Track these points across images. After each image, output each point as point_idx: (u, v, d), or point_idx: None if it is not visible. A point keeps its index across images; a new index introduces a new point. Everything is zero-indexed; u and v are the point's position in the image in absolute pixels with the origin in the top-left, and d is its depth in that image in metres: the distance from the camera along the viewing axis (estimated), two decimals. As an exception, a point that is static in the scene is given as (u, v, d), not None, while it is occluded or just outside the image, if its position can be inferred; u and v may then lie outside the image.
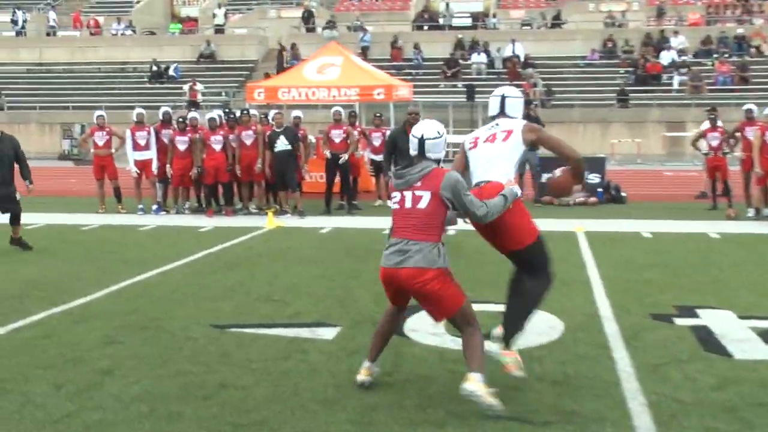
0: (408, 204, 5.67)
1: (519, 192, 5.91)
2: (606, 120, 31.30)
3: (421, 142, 5.70)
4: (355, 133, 17.57)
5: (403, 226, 5.68)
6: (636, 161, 28.32)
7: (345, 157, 16.84)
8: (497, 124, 6.28)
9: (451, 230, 6.42)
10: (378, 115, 18.25)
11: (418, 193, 5.63)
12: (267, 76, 32.63)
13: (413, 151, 5.76)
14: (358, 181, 18.02)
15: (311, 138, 18.67)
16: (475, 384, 5.46)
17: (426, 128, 5.76)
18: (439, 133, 5.68)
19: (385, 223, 13.00)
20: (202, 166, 16.36)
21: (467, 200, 5.61)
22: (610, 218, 15.65)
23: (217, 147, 16.32)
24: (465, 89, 29.47)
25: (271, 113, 16.93)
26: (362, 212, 16.86)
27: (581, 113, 31.63)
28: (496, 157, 6.08)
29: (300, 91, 20.40)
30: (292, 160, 16.10)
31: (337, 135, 17.10)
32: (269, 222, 15.04)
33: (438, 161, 5.76)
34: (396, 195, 5.78)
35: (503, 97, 6.33)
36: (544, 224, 14.65)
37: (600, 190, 18.06)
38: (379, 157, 17.54)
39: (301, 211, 16.14)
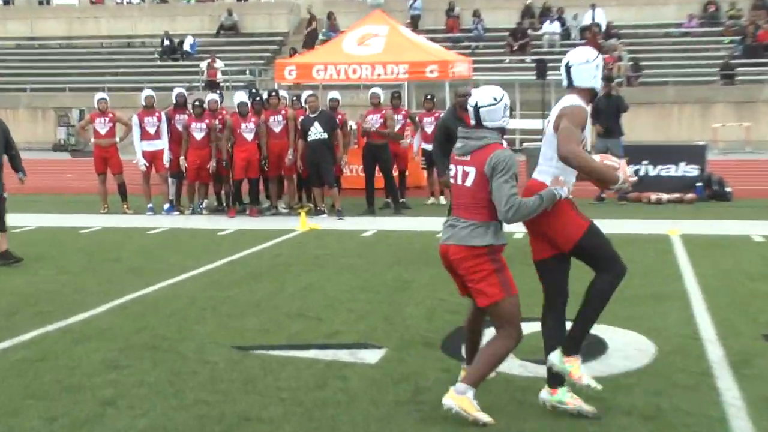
0: (459, 180, 6.18)
1: (562, 194, 6.05)
2: (707, 100, 30.90)
3: (476, 110, 6.13)
4: (398, 117, 17.52)
5: (456, 203, 6.23)
6: (744, 149, 27.94)
7: (372, 124, 16.78)
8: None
9: (518, 232, 6.40)
10: (429, 96, 18.17)
11: (466, 168, 6.10)
12: (293, 52, 32.75)
13: (472, 121, 6.21)
14: (406, 175, 18.01)
15: (351, 124, 18.69)
16: (453, 399, 5.93)
17: (480, 95, 6.17)
18: (495, 99, 6.09)
19: (438, 224, 12.97)
20: (227, 160, 16.40)
21: (499, 184, 5.90)
22: (711, 218, 15.44)
23: (249, 136, 16.36)
24: (535, 65, 29.26)
25: (304, 95, 16.98)
26: (412, 212, 16.85)
27: (676, 92, 31.29)
28: (540, 154, 6.30)
29: (338, 68, 20.44)
30: (329, 151, 16.13)
31: (374, 122, 17.04)
32: (302, 224, 15.08)
33: (500, 130, 6.15)
34: (452, 168, 6.25)
35: (567, 67, 6.33)
36: (632, 225, 14.65)
37: (699, 184, 17.82)
38: (432, 147, 17.49)
39: (339, 210, 16.17)
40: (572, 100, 6.21)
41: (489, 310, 6.09)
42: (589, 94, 6.28)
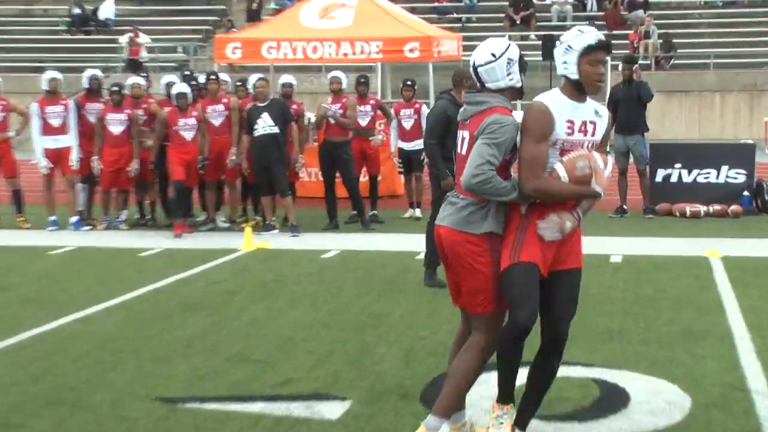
0: (458, 147, 6.55)
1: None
2: (756, 87, 31.12)
3: (475, 71, 6.48)
4: (366, 108, 17.46)
5: (458, 175, 6.49)
6: (802, 150, 28.14)
7: (331, 110, 16.78)
8: None
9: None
10: (409, 82, 18.12)
11: (464, 133, 6.49)
12: (230, 26, 32.73)
13: (477, 84, 6.57)
14: (378, 182, 17.99)
15: (309, 116, 18.68)
16: None
17: (478, 53, 6.49)
18: (493, 55, 6.38)
19: (418, 243, 12.99)
20: (155, 162, 16.20)
21: (479, 144, 6.17)
22: (761, 236, 15.53)
23: (189, 135, 16.15)
24: (541, 43, 29.44)
25: (252, 79, 16.94)
26: (384, 227, 16.86)
27: (718, 78, 31.48)
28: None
29: (294, 46, 20.44)
30: (281, 149, 16.09)
31: (334, 112, 16.95)
32: (246, 242, 15.06)
33: (510, 91, 6.46)
34: (458, 133, 6.64)
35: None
36: (661, 245, 14.69)
37: (746, 194, 17.90)
38: (411, 146, 17.45)
39: (293, 225, 16.14)
40: (542, 97, 6.39)
41: (475, 317, 6.35)
42: (573, 88, 6.34)
